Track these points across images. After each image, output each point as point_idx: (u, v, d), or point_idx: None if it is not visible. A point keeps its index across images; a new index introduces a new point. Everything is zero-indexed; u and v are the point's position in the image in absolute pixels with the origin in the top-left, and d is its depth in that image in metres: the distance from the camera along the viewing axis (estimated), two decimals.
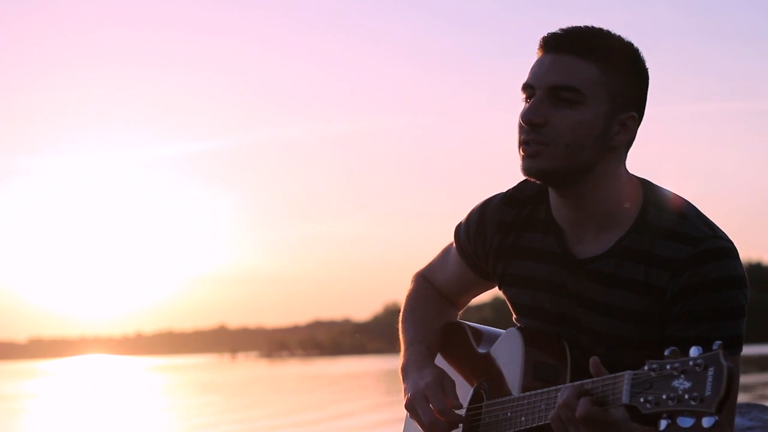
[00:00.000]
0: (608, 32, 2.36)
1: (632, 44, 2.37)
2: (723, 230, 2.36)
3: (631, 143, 2.39)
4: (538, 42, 2.37)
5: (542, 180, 2.37)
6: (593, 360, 2.15)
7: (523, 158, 2.34)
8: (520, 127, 2.34)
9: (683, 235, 2.32)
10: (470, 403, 2.55)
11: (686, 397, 1.95)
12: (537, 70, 2.34)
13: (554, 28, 2.37)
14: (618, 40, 2.35)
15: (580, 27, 2.36)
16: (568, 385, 2.22)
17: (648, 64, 2.38)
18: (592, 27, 2.36)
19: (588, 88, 2.30)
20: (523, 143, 2.33)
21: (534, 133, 2.31)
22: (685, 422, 1.95)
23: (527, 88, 2.35)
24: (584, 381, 2.17)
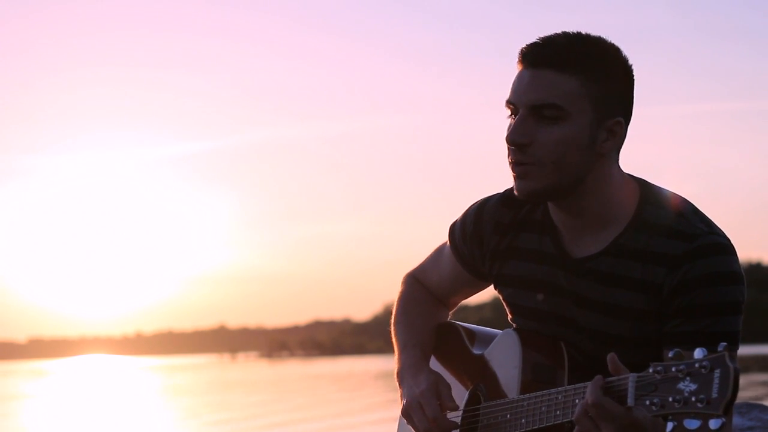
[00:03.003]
0: (586, 38, 2.32)
1: (613, 46, 2.34)
2: (721, 228, 2.35)
3: (621, 145, 2.37)
4: (518, 55, 2.34)
5: (536, 200, 2.40)
6: (610, 356, 2.12)
7: (515, 179, 2.35)
8: (508, 147, 2.34)
9: (680, 232, 2.32)
10: (466, 405, 2.53)
11: (693, 399, 1.94)
12: (518, 86, 2.33)
13: (532, 39, 2.33)
14: (597, 45, 2.32)
15: (558, 37, 2.33)
16: (595, 380, 2.14)
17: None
18: (569, 35, 2.33)
19: (569, 102, 2.28)
20: (513, 164, 2.33)
21: (520, 153, 2.31)
22: (692, 424, 1.94)
23: (510, 104, 2.34)
24: (609, 378, 2.12)
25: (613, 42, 2.35)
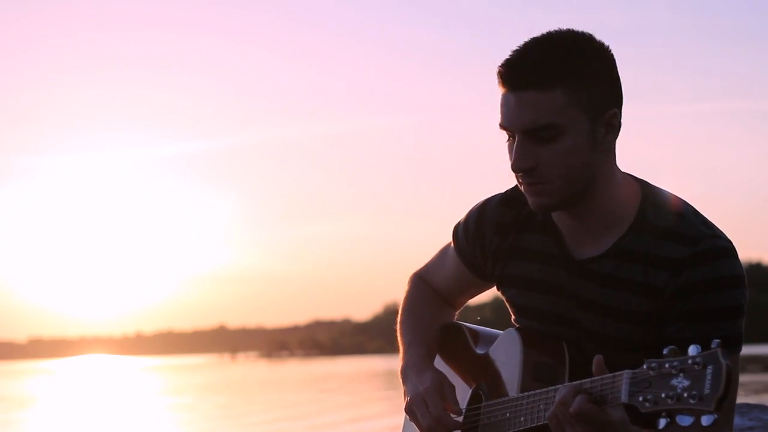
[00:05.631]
0: (557, 41, 2.27)
1: (584, 38, 2.29)
2: (721, 230, 2.36)
3: (617, 135, 2.34)
4: (497, 73, 2.30)
5: (554, 212, 2.40)
6: (597, 359, 2.15)
7: (529, 196, 2.34)
8: (515, 173, 2.33)
9: (682, 235, 2.32)
10: (469, 404, 2.55)
11: (685, 395, 1.95)
12: (506, 112, 2.30)
13: (507, 53, 2.29)
14: (569, 47, 2.27)
15: (530, 49, 2.28)
16: (567, 384, 2.22)
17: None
18: (540, 44, 2.28)
19: (561, 117, 2.26)
20: (523, 185, 2.34)
21: (529, 176, 2.31)
22: (684, 421, 1.95)
23: (504, 128, 2.32)
24: (583, 380, 2.18)
25: (583, 31, 2.30)
